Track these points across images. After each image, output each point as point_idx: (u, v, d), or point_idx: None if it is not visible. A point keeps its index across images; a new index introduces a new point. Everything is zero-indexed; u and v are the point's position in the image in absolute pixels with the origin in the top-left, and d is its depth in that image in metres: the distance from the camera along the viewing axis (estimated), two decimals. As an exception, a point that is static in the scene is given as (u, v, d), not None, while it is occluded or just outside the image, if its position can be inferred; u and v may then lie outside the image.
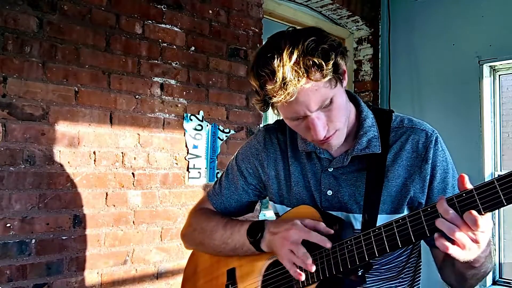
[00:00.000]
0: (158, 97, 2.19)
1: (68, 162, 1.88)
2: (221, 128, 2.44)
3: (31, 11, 1.79)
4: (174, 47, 2.26)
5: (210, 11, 2.42)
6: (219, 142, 2.43)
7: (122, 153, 2.05)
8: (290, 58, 0.89)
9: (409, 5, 3.37)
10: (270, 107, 1.01)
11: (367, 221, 1.02)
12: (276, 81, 0.90)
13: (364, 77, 3.57)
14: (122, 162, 2.05)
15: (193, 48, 2.34)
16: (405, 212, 1.07)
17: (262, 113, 2.56)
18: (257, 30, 2.64)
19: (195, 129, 2.34)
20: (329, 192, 1.09)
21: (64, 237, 1.86)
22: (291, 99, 0.91)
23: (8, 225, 1.71)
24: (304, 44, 0.90)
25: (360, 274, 0.98)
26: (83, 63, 1.93)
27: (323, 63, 0.90)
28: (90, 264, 1.92)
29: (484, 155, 2.98)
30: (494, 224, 3.03)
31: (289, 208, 1.14)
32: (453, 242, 0.81)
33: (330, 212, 1.08)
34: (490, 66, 3.04)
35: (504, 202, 0.76)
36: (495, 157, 3.07)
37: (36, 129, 1.79)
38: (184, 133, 2.29)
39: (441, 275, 1.09)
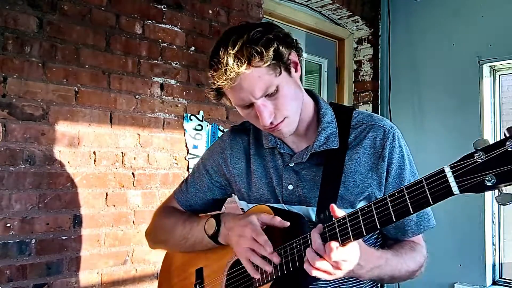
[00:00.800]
0: (158, 97, 2.19)
1: (68, 162, 1.88)
2: (221, 128, 2.44)
3: (31, 11, 1.79)
4: (174, 47, 2.26)
5: (210, 11, 2.43)
6: (219, 142, 2.43)
7: (122, 153, 2.05)
8: (233, 47, 0.96)
9: (409, 5, 3.37)
10: (221, 96, 1.08)
11: (322, 214, 1.05)
12: (220, 68, 0.97)
13: (364, 77, 3.57)
14: (122, 162, 2.05)
15: (193, 48, 2.34)
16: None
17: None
18: (257, 30, 2.64)
19: (195, 129, 2.34)
20: (290, 187, 1.12)
21: (64, 237, 1.86)
22: (234, 85, 0.97)
23: (8, 225, 1.71)
24: (249, 35, 0.97)
25: None
26: (83, 63, 1.93)
27: (264, 50, 0.96)
28: (90, 264, 1.92)
29: (484, 155, 2.98)
30: (494, 223, 3.03)
31: (251, 204, 1.17)
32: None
33: (290, 206, 1.12)
34: (490, 66, 3.04)
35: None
36: (495, 157, 3.06)
37: (36, 129, 1.79)
38: (184, 133, 2.29)
39: None
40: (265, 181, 1.17)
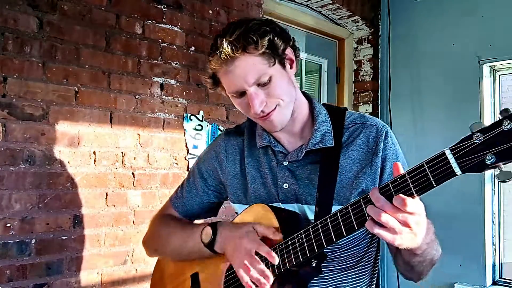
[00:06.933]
0: (158, 97, 2.19)
1: (68, 162, 1.88)
2: (221, 128, 2.44)
3: (31, 11, 1.79)
4: (174, 47, 2.26)
5: (210, 11, 2.42)
6: (219, 142, 2.43)
7: (122, 153, 2.05)
8: (231, 35, 1.01)
9: (409, 5, 3.37)
10: (217, 85, 1.13)
11: (321, 212, 1.06)
12: (216, 53, 1.02)
13: (364, 77, 3.57)
14: (122, 162, 2.05)
15: (193, 48, 2.34)
16: None
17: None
18: (257, 30, 2.64)
19: (195, 129, 2.34)
20: (285, 185, 1.14)
21: (64, 237, 1.85)
22: (229, 69, 1.02)
23: (8, 225, 1.71)
24: (248, 25, 1.02)
25: (314, 265, 1.01)
26: (83, 63, 1.93)
27: (259, 39, 1.00)
28: (90, 264, 1.92)
29: (484, 155, 2.98)
30: (494, 223, 3.03)
31: (248, 206, 1.17)
32: (381, 225, 0.83)
33: (286, 205, 1.13)
34: (490, 66, 3.04)
35: (434, 183, 0.79)
36: (495, 157, 3.06)
37: (36, 129, 1.79)
38: (184, 133, 2.29)
39: (395, 266, 1.11)
40: (260, 181, 1.18)
